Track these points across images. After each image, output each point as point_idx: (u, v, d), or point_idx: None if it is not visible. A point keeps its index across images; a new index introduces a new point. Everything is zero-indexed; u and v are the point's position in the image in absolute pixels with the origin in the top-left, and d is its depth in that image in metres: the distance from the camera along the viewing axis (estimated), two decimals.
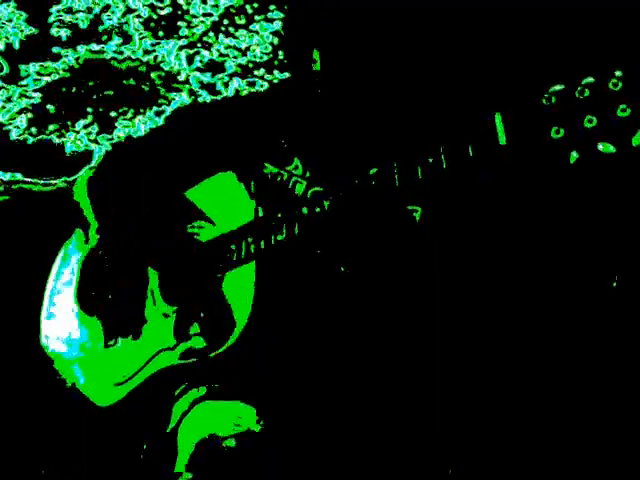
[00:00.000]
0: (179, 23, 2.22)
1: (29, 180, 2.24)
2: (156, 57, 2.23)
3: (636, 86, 1.33)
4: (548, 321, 1.80)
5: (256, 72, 2.21)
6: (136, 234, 2.00)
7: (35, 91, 2.24)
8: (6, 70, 2.22)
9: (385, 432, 1.83)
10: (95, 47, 2.23)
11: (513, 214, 1.80)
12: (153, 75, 2.24)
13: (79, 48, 2.22)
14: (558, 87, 1.42)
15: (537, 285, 1.81)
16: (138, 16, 2.22)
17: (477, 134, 1.48)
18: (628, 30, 1.72)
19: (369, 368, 1.85)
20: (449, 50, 1.90)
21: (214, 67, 2.23)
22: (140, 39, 2.22)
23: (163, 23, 2.22)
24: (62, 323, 2.07)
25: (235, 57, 2.22)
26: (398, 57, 1.97)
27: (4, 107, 2.23)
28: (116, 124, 2.24)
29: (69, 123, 2.25)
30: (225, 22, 2.22)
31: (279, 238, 1.78)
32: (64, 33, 2.22)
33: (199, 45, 2.22)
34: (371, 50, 2.00)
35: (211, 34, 2.22)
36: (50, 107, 2.25)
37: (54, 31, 2.22)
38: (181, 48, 2.22)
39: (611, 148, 1.36)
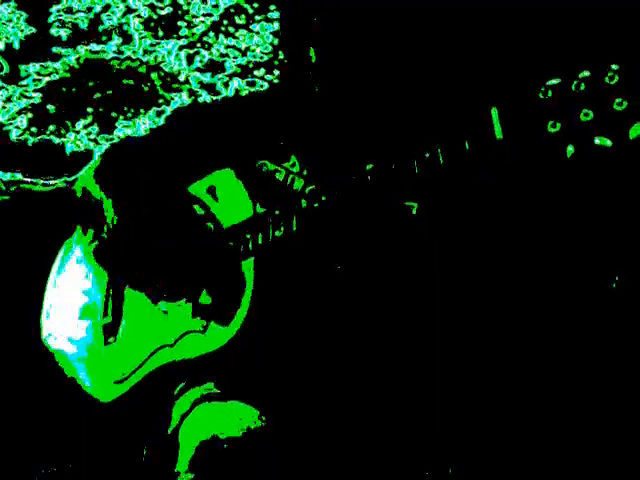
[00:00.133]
0: (179, 23, 2.23)
1: (29, 180, 2.24)
2: (156, 57, 2.23)
3: (633, 80, 1.33)
4: (545, 315, 1.79)
5: (256, 72, 2.21)
6: (136, 234, 2.00)
7: (35, 91, 2.24)
8: (6, 70, 2.23)
9: (385, 431, 1.82)
10: (95, 47, 2.23)
11: (510, 209, 1.79)
12: (153, 75, 2.24)
13: (79, 48, 2.23)
14: (554, 81, 1.41)
15: (535, 281, 1.80)
16: (138, 16, 2.22)
17: (473, 129, 1.48)
18: (624, 23, 1.72)
19: (369, 368, 1.85)
20: (445, 45, 1.90)
21: (214, 67, 2.23)
22: (140, 39, 2.22)
23: (163, 23, 2.23)
24: (63, 321, 2.08)
25: (235, 57, 2.22)
26: (394, 52, 1.97)
27: (4, 107, 2.24)
28: (116, 124, 2.25)
29: (69, 123, 2.25)
30: (225, 22, 2.22)
31: (277, 234, 1.78)
32: (64, 33, 2.22)
33: (199, 45, 2.23)
34: (366, 45, 2.00)
35: (211, 34, 2.23)
36: (50, 107, 2.25)
37: (54, 31, 2.22)
38: (181, 48, 2.23)
39: (608, 142, 1.35)
